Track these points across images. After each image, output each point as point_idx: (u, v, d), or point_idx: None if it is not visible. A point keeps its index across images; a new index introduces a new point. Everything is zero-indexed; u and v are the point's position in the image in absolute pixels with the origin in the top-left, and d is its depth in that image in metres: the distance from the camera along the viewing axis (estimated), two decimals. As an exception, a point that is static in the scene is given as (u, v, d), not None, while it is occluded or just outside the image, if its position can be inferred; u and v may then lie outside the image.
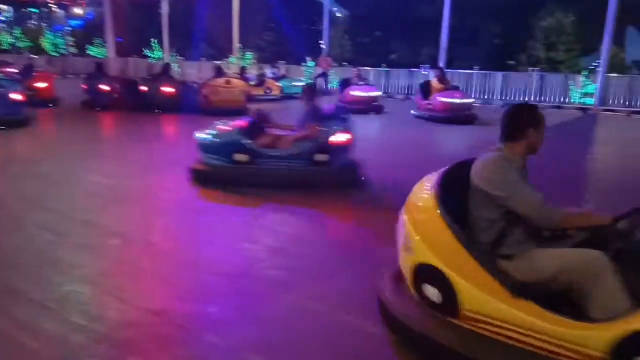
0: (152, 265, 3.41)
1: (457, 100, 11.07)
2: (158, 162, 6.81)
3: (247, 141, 5.32)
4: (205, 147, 5.47)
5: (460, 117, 10.83)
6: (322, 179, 5.24)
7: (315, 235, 4.12)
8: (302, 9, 24.21)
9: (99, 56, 29.28)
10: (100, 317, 2.70)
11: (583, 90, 15.22)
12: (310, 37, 25.44)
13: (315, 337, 2.58)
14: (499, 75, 16.12)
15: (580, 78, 15.33)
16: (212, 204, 4.95)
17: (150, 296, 2.97)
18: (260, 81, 15.46)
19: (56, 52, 33.89)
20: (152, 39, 28.04)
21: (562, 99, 15.46)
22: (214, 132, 5.50)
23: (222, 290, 3.09)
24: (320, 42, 21.27)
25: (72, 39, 31.11)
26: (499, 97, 16.00)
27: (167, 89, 11.78)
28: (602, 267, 2.03)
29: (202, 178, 5.41)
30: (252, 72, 18.62)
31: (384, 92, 17.15)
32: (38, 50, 35.06)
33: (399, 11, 23.78)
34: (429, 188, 2.45)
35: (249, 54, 26.17)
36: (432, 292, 2.34)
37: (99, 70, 12.98)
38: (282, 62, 20.81)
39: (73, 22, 35.90)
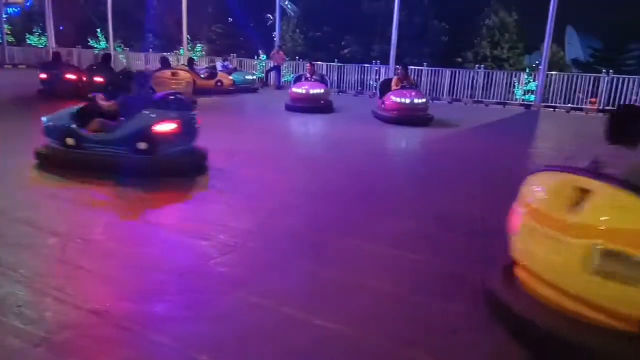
0: (92, 265, 3.28)
1: (408, 100, 10.39)
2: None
3: (73, 125, 5.48)
4: (45, 130, 5.65)
5: (413, 118, 10.19)
6: (143, 167, 5.22)
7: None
8: (254, 2, 23.92)
9: (39, 46, 27.84)
10: (38, 319, 2.57)
11: (526, 87, 15.89)
12: (263, 31, 25.24)
13: (264, 333, 2.57)
14: (447, 72, 16.54)
15: (523, 76, 15.99)
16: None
17: (91, 296, 2.86)
18: (211, 74, 15.17)
19: (-10, 40, 31.90)
20: (97, 29, 26.95)
21: (506, 96, 16.06)
22: (51, 115, 5.69)
23: (168, 288, 3.02)
24: (273, 35, 21.13)
25: (8, 27, 29.33)
26: (447, 95, 16.43)
27: (99, 79, 11.30)
28: None
29: (43, 160, 5.59)
30: (203, 65, 18.28)
31: (336, 88, 17.24)
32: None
33: (350, 7, 23.93)
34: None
35: (199, 46, 25.68)
36: None
37: (57, 60, 12.76)
38: (233, 55, 20.52)
39: (10, 9, 33.88)
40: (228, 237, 3.83)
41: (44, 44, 27.34)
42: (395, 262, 3.55)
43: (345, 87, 18.12)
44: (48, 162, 5.55)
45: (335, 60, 18.93)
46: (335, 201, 5.01)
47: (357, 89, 17.87)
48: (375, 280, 3.21)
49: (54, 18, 24.68)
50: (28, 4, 34.56)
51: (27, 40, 30.07)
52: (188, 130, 5.58)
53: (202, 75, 14.68)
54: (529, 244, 2.53)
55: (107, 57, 12.19)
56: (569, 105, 14.89)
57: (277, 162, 6.79)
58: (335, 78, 18.16)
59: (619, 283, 2.11)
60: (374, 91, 17.42)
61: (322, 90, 12.00)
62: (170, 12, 24.32)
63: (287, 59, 19.04)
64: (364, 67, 17.82)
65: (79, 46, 25.12)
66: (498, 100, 15.78)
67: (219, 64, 16.38)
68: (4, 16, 27.26)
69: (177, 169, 5.40)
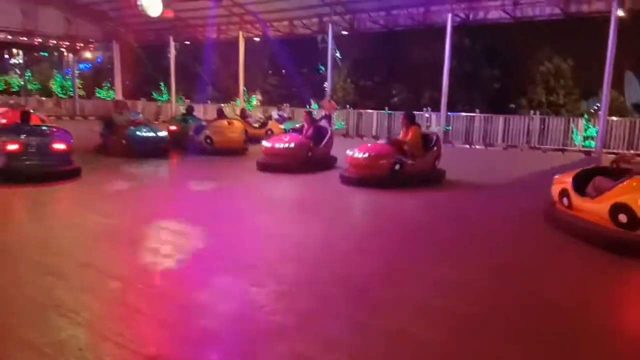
0: (150, 309, 3.37)
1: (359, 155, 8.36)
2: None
3: None
4: None
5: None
6: None
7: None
8: (306, 54, 24.86)
9: (107, 99, 29.96)
10: (97, 363, 2.65)
11: (585, 133, 15.37)
12: (314, 81, 26.05)
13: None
14: (500, 119, 16.33)
15: (582, 121, 15.51)
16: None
17: (148, 341, 2.93)
18: (263, 123, 15.89)
19: (64, 94, 34.69)
20: (160, 82, 28.75)
21: (564, 142, 15.58)
22: None
23: (221, 336, 3.04)
24: (324, 85, 21.74)
25: (80, 81, 31.86)
26: (500, 141, 16.14)
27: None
28: None
29: None
30: (258, 115, 19.08)
31: (388, 134, 17.36)
32: (47, 92, 35.89)
33: (400, 56, 24.36)
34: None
35: (254, 97, 26.78)
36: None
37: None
38: (286, 104, 21.21)
39: (82, 66, 36.88)
40: (277, 284, 3.85)
41: (111, 97, 29.38)
42: (444, 311, 3.42)
43: (396, 134, 18.16)
44: None
45: (386, 108, 19.15)
46: (381, 249, 4.95)
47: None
48: (423, 330, 3.11)
49: (121, 73, 26.65)
50: (98, 60, 37.54)
51: (97, 93, 32.42)
52: None
53: (254, 125, 15.43)
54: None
55: (190, 109, 14.13)
56: (632, 151, 14.23)
57: (319, 209, 6.82)
58: (386, 125, 18.34)
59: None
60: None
61: (292, 145, 9.76)
62: (228, 65, 25.65)
63: (337, 107, 19.45)
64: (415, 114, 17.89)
65: (144, 98, 26.85)
66: (556, 147, 15.35)
67: (274, 114, 17.04)
68: (76, 72, 29.67)
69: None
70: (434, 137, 8.92)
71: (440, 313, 3.43)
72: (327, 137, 10.33)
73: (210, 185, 8.49)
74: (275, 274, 4.09)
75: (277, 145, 9.89)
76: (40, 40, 24.59)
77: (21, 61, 44.79)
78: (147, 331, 3.09)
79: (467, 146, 16.22)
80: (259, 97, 27.94)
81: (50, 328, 3.04)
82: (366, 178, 8.12)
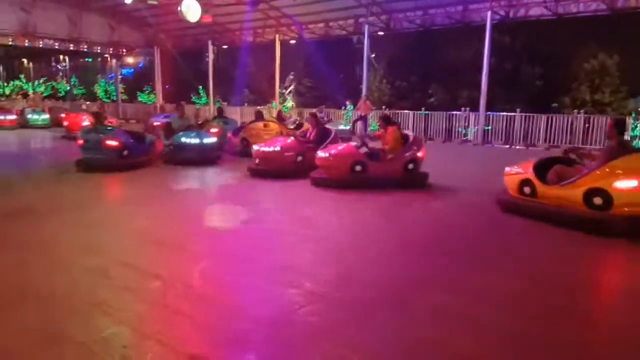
0: (189, 310, 3.46)
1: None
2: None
3: None
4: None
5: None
6: None
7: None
8: (341, 55, 24.87)
9: (148, 102, 30.86)
10: (139, 361, 2.75)
11: (632, 132, 14.74)
12: (350, 82, 26.01)
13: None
14: (542, 118, 15.86)
15: (630, 120, 14.88)
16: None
17: (188, 341, 3.01)
18: (298, 125, 16.02)
19: (108, 98, 35.98)
20: (198, 86, 29.42)
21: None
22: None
23: (257, 337, 3.09)
24: (360, 86, 21.71)
25: (123, 86, 32.94)
26: (542, 141, 15.68)
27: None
28: None
29: None
30: (294, 117, 19.31)
31: (425, 136, 17.20)
32: (91, 96, 37.31)
33: (437, 55, 24.03)
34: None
35: (289, 99, 27.01)
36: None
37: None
38: (322, 106, 21.29)
39: (125, 71, 38.16)
40: (314, 285, 3.87)
41: (152, 101, 30.24)
42: (481, 319, 3.36)
43: (433, 134, 17.98)
44: None
45: (422, 108, 18.94)
46: (419, 254, 4.90)
47: (444, 136, 17.66)
48: (459, 338, 3.06)
49: (161, 78, 27.42)
50: (140, 65, 38.73)
51: (138, 97, 33.45)
52: None
53: (290, 127, 15.55)
54: None
55: (220, 111, 14.38)
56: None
57: (355, 212, 6.81)
58: (422, 126, 18.15)
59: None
60: (463, 138, 17.12)
61: (277, 148, 9.09)
62: (263, 68, 25.97)
63: (373, 108, 19.38)
64: (452, 114, 17.63)
65: (183, 102, 27.48)
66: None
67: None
68: (119, 77, 30.72)
69: None
70: (410, 138, 8.30)
71: (482, 323, 3.37)
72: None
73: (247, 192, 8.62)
74: (311, 275, 4.12)
75: (263, 149, 9.13)
76: (85, 46, 25.60)
77: (67, 67, 46.76)
78: (187, 331, 3.17)
79: (507, 146, 15.84)
80: (291, 89, 28.12)
81: (96, 326, 3.17)
82: (325, 178, 8.05)
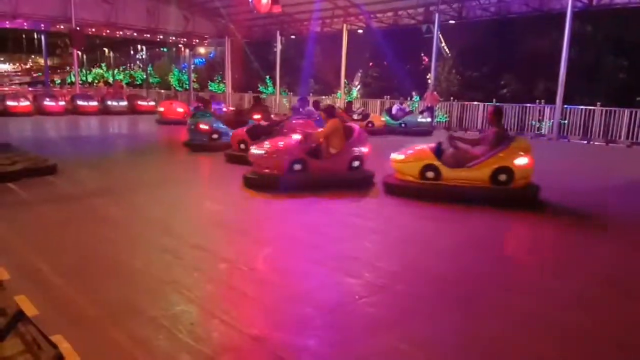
0: (254, 292, 3.58)
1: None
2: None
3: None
4: None
5: None
6: None
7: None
8: (408, 45, 24.40)
9: (218, 92, 31.90)
10: (206, 338, 2.89)
11: None
12: (417, 72, 25.49)
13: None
14: (625, 113, 14.78)
15: None
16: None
17: (252, 322, 3.12)
18: (365, 115, 16.02)
19: (181, 87, 37.55)
20: (266, 76, 30.02)
21: None
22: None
23: (318, 323, 3.16)
24: (427, 77, 21.24)
25: (195, 75, 34.21)
26: (624, 137, 14.63)
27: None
28: None
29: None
30: (359, 107, 19.26)
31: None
32: (166, 85, 39.12)
33: (511, 45, 22.98)
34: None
35: (354, 90, 26.91)
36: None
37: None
38: (386, 97, 21.06)
39: (197, 61, 39.61)
40: (375, 277, 3.88)
41: (222, 90, 31.24)
42: (547, 321, 3.22)
43: (505, 128, 17.24)
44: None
45: (493, 100, 18.24)
46: (487, 251, 4.76)
47: (516, 129, 16.93)
48: (526, 339, 2.96)
49: (231, 67, 28.21)
50: (211, 55, 40.05)
51: (209, 86, 34.65)
52: None
53: (355, 117, 15.60)
54: None
55: (258, 98, 14.42)
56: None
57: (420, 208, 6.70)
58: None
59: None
60: (536, 131, 16.34)
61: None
62: (330, 58, 26.00)
63: (440, 99, 18.91)
64: (525, 107, 16.85)
65: (250, 92, 28.19)
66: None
67: (395, 107, 16.65)
68: (192, 66, 31.90)
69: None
70: (355, 132, 7.46)
71: (547, 323, 3.25)
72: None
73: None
74: (372, 266, 4.13)
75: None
76: (161, 36, 26.82)
77: (144, 56, 49.22)
78: (251, 312, 3.29)
79: (584, 142, 14.94)
80: (358, 86, 27.97)
81: (167, 302, 3.36)
82: (267, 178, 6.97)
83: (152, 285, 3.65)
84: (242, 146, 9.39)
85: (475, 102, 18.61)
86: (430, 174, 6.67)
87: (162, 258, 4.23)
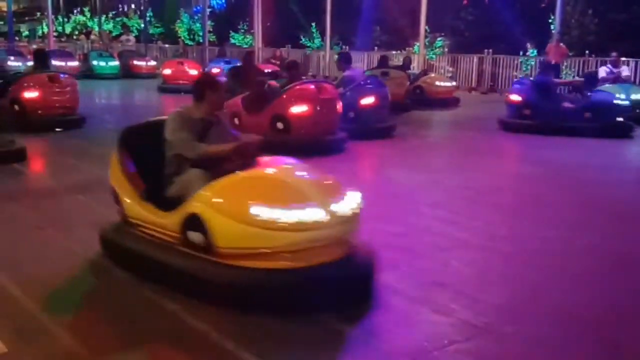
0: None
1: None
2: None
3: None
4: None
5: None
6: None
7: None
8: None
9: (244, 46, 32.22)
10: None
11: None
12: (533, 16, 24.78)
13: None
14: None
15: None
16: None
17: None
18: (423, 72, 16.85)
19: (192, 40, 38.14)
20: (310, 24, 30.01)
21: None
22: None
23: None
24: (550, 21, 20.64)
25: (211, 23, 34.44)
26: None
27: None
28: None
29: None
30: (446, 66, 19.26)
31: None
32: (171, 37, 39.80)
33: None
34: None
35: (439, 40, 26.54)
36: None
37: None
38: (489, 50, 20.68)
39: (214, 1, 40.02)
40: (474, 314, 3.84)
41: (249, 43, 31.51)
42: None
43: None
44: None
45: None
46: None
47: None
48: None
49: (262, 12, 28.25)
50: (234, -4, 40.30)
51: (231, 39, 35.01)
52: None
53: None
54: None
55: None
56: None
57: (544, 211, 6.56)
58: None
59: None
60: None
61: None
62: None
63: (569, 53, 18.37)
64: None
65: (289, 45, 28.29)
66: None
67: (604, 69, 15.51)
68: (207, 11, 32.22)
69: None
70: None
71: None
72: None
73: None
74: (468, 297, 4.10)
75: None
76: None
77: (142, -1, 50.32)
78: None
79: None
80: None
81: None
82: None
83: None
84: (236, 121, 9.42)
85: (623, 58, 17.99)
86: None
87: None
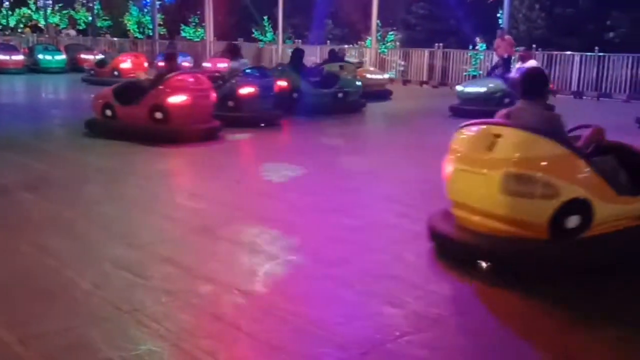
0: (251, 325, 3.59)
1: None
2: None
3: None
4: None
5: None
6: None
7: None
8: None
9: (195, 39, 31.91)
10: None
11: None
12: (481, 10, 25.19)
13: None
14: None
15: None
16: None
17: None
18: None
19: (141, 33, 37.60)
20: (262, 17, 29.88)
21: None
22: None
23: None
24: (498, 15, 20.99)
25: (161, 16, 34.03)
26: None
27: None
28: None
29: None
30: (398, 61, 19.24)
31: (596, 90, 16.44)
32: (120, 31, 39.17)
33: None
34: None
35: (391, 34, 26.76)
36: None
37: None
38: (439, 44, 20.90)
39: (164, -3, 39.53)
40: (426, 304, 3.87)
41: (200, 36, 31.20)
42: None
43: (611, 88, 17.10)
44: None
45: (596, 48, 18.01)
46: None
47: (629, 90, 16.71)
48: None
49: (214, 5, 28.04)
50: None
51: (182, 32, 34.64)
52: None
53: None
54: (459, 182, 4.67)
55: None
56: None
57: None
58: (594, 75, 17.32)
59: (526, 198, 4.20)
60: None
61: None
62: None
63: (517, 49, 18.69)
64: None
65: (241, 39, 28.14)
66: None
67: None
68: (157, 4, 31.80)
69: None
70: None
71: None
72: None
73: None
74: (420, 288, 4.13)
75: None
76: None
77: (89, -9, 49.40)
78: (247, 354, 3.32)
79: None
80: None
81: (127, 340, 3.37)
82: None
83: (105, 314, 3.69)
84: (109, 112, 9.87)
85: (569, 52, 18.40)
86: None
87: (119, 275, 4.27)
